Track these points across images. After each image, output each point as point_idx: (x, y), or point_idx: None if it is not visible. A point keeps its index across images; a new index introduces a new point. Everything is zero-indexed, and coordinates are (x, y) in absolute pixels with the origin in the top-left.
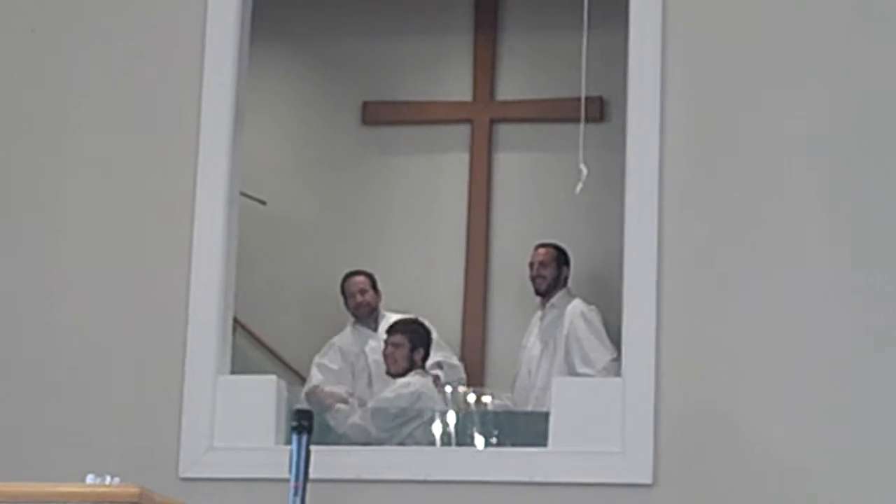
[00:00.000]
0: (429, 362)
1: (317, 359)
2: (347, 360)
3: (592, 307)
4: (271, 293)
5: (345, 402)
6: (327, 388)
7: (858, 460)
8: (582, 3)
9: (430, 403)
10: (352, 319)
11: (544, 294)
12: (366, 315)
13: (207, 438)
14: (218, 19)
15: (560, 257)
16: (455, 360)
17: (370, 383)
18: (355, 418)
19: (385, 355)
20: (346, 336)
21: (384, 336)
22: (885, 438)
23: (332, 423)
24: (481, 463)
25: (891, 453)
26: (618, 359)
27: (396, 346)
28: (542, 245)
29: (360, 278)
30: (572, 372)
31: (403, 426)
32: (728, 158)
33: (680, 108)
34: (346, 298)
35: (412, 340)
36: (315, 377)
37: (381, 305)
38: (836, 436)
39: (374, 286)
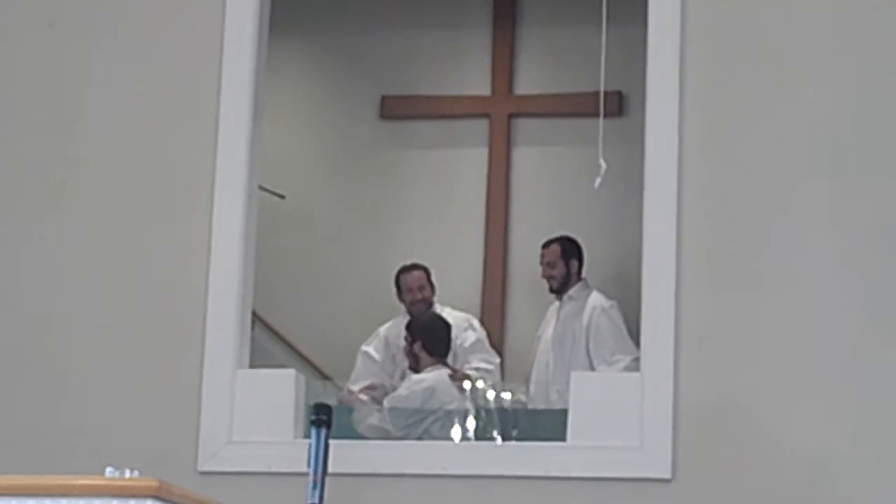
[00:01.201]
0: (466, 368)
1: (363, 346)
2: (391, 352)
3: (613, 303)
4: (290, 287)
5: (377, 402)
6: (358, 388)
7: (877, 455)
8: None
9: (446, 398)
10: (403, 310)
11: (558, 291)
12: (422, 310)
13: (226, 432)
14: (236, 13)
15: (567, 251)
16: (491, 364)
17: (403, 377)
18: (373, 420)
19: None
20: (395, 327)
21: None
22: None
23: (352, 422)
24: (499, 457)
25: None
26: (640, 359)
27: (406, 340)
28: (547, 244)
29: (418, 273)
30: (592, 367)
31: (420, 423)
32: (747, 153)
33: (699, 103)
34: (399, 291)
35: (411, 334)
36: (358, 366)
37: (436, 300)
38: (855, 430)
39: (429, 280)
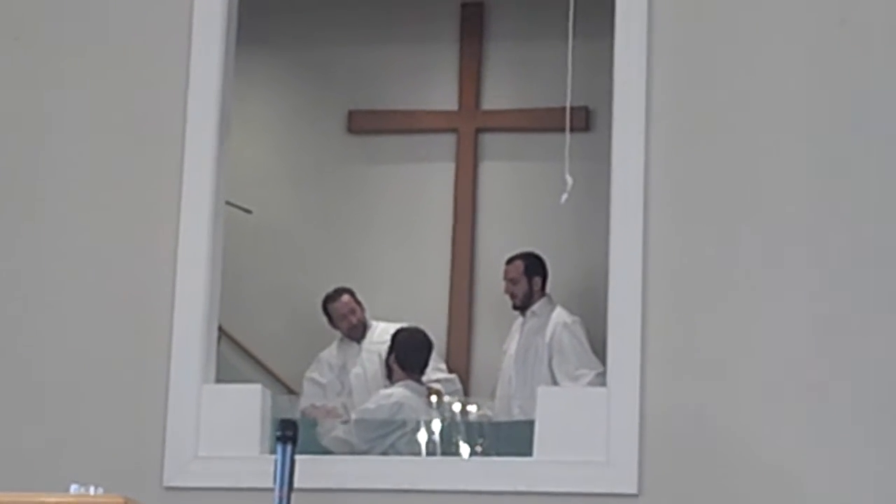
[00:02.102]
0: (425, 378)
1: (307, 373)
2: (335, 374)
3: (576, 319)
4: (256, 302)
5: (338, 417)
6: (321, 404)
7: (845, 467)
8: (567, 13)
9: (413, 414)
10: (339, 335)
11: (521, 307)
12: (360, 333)
13: (192, 447)
14: (203, 28)
15: (529, 268)
16: (446, 372)
17: (350, 395)
18: (338, 432)
19: None
20: (333, 350)
21: (370, 346)
22: (871, 445)
23: (317, 437)
24: (466, 472)
25: (877, 460)
26: (603, 373)
27: (388, 348)
28: (510, 260)
29: (346, 298)
30: (555, 382)
31: (386, 437)
32: (714, 168)
33: (665, 118)
34: (331, 319)
35: (391, 345)
36: (307, 392)
37: (368, 317)
38: (822, 444)
39: (356, 301)
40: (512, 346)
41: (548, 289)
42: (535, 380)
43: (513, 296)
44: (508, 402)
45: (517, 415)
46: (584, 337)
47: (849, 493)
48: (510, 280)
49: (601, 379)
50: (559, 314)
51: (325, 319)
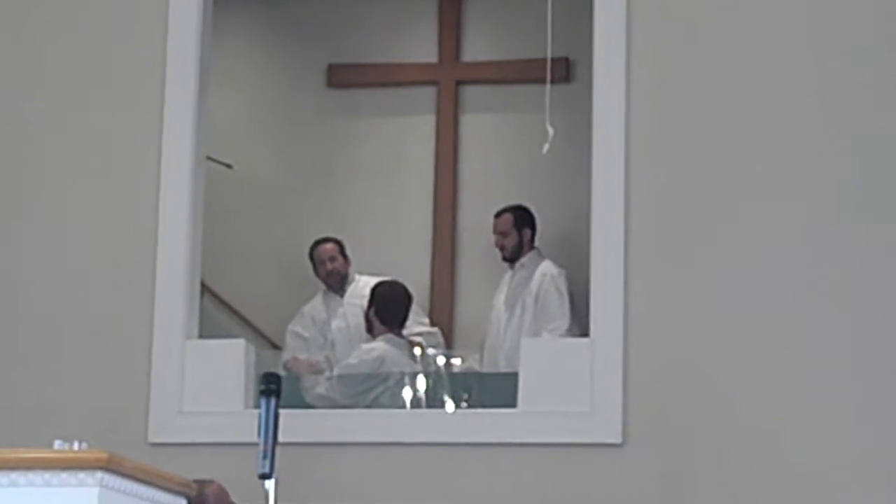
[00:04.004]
0: (406, 332)
1: (290, 327)
2: (318, 328)
3: (562, 270)
4: (238, 257)
5: (321, 372)
6: (303, 358)
7: (826, 416)
8: None
9: (396, 367)
10: (322, 287)
11: (511, 260)
12: (337, 282)
13: (176, 403)
14: None
15: (519, 220)
16: (428, 326)
17: (333, 349)
18: (320, 388)
19: None
20: (317, 304)
21: (353, 300)
22: (852, 394)
23: (301, 391)
24: (451, 425)
25: (858, 409)
26: (567, 328)
27: (367, 302)
28: (499, 213)
29: (329, 245)
30: (539, 334)
31: (369, 392)
32: (693, 117)
33: (645, 69)
34: (315, 266)
35: (371, 299)
36: (289, 346)
37: (352, 270)
38: (803, 393)
39: (342, 253)
40: (500, 298)
41: (536, 242)
42: (522, 332)
43: (503, 248)
44: (496, 354)
45: (503, 367)
46: (565, 289)
47: (831, 443)
48: (500, 233)
49: (566, 332)
50: (546, 266)
51: (310, 267)
